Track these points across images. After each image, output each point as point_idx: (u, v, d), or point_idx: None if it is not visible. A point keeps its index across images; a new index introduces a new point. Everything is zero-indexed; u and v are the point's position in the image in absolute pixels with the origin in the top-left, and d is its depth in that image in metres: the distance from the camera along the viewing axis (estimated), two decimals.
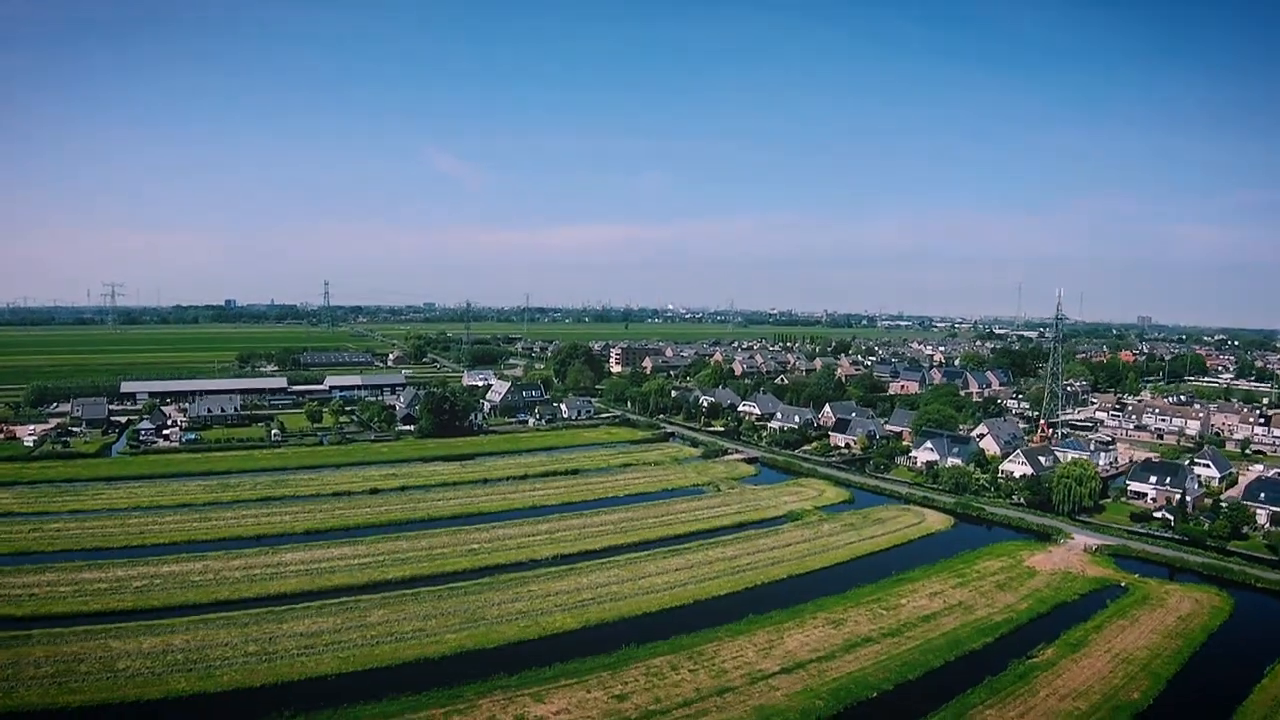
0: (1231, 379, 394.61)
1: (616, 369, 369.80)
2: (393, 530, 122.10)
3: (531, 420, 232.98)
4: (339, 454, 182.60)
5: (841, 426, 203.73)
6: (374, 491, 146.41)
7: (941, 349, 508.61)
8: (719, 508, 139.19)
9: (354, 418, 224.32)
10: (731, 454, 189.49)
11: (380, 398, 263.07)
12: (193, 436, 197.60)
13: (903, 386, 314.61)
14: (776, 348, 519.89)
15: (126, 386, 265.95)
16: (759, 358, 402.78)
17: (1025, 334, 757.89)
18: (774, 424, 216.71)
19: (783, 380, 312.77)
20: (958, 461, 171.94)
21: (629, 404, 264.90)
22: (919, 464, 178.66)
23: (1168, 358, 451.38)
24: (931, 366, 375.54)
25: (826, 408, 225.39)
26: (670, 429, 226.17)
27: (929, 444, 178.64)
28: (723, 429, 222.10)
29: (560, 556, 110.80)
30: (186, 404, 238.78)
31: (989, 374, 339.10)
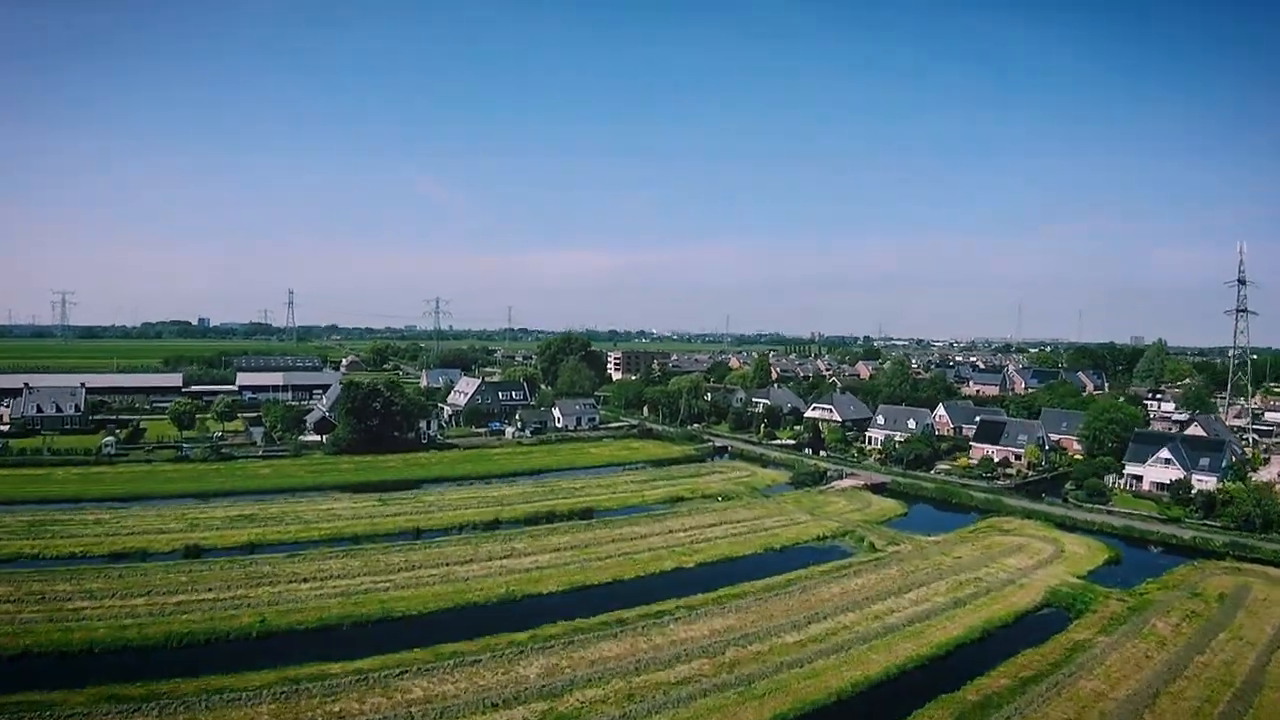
0: None
1: (618, 377, 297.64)
2: (157, 674, 47.86)
3: (511, 430, 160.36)
4: (193, 476, 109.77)
5: (990, 434, 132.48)
6: (193, 553, 73.53)
7: (974, 357, 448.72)
8: (908, 593, 65.94)
9: (259, 425, 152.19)
10: (836, 478, 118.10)
11: (308, 401, 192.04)
12: None
13: (978, 390, 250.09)
14: (792, 357, 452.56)
15: None
16: (783, 361, 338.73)
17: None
18: (874, 433, 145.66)
19: (834, 382, 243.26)
20: (1209, 480, 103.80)
21: (646, 410, 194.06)
22: (1144, 485, 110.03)
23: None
24: (1005, 368, 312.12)
25: (940, 410, 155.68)
26: (718, 442, 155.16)
27: (1164, 453, 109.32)
28: (794, 441, 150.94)
29: None
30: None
31: (1080, 375, 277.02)
